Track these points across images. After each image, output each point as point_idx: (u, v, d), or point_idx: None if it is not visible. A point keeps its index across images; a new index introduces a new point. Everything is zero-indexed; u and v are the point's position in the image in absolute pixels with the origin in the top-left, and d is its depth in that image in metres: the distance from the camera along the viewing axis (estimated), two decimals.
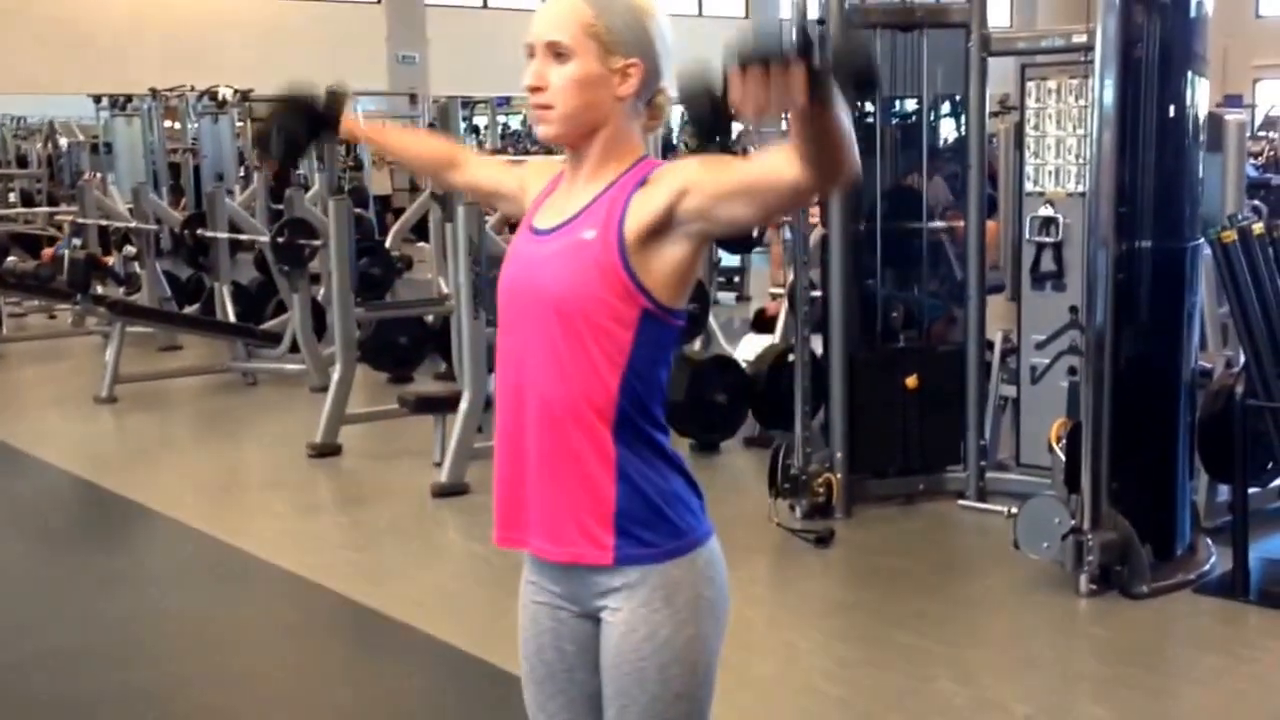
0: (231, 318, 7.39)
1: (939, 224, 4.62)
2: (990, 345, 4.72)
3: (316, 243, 6.59)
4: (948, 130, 4.75)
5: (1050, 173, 4.35)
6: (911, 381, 4.48)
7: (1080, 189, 4.17)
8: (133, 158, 12.33)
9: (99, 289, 7.44)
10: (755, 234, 7.56)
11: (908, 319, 4.59)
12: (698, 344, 5.94)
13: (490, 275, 4.76)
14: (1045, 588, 3.66)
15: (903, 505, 4.52)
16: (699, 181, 1.43)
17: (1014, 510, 3.79)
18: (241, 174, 11.88)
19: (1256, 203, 6.71)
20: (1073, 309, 4.19)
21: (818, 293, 4.55)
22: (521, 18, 1.89)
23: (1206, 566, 3.77)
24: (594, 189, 1.51)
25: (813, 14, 4.33)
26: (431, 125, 10.25)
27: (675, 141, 9.66)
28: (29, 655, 3.45)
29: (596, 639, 1.54)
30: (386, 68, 17.60)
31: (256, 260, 8.59)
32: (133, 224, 8.05)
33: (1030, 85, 4.38)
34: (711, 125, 1.28)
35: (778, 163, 1.34)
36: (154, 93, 12.40)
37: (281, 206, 7.90)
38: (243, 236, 7.78)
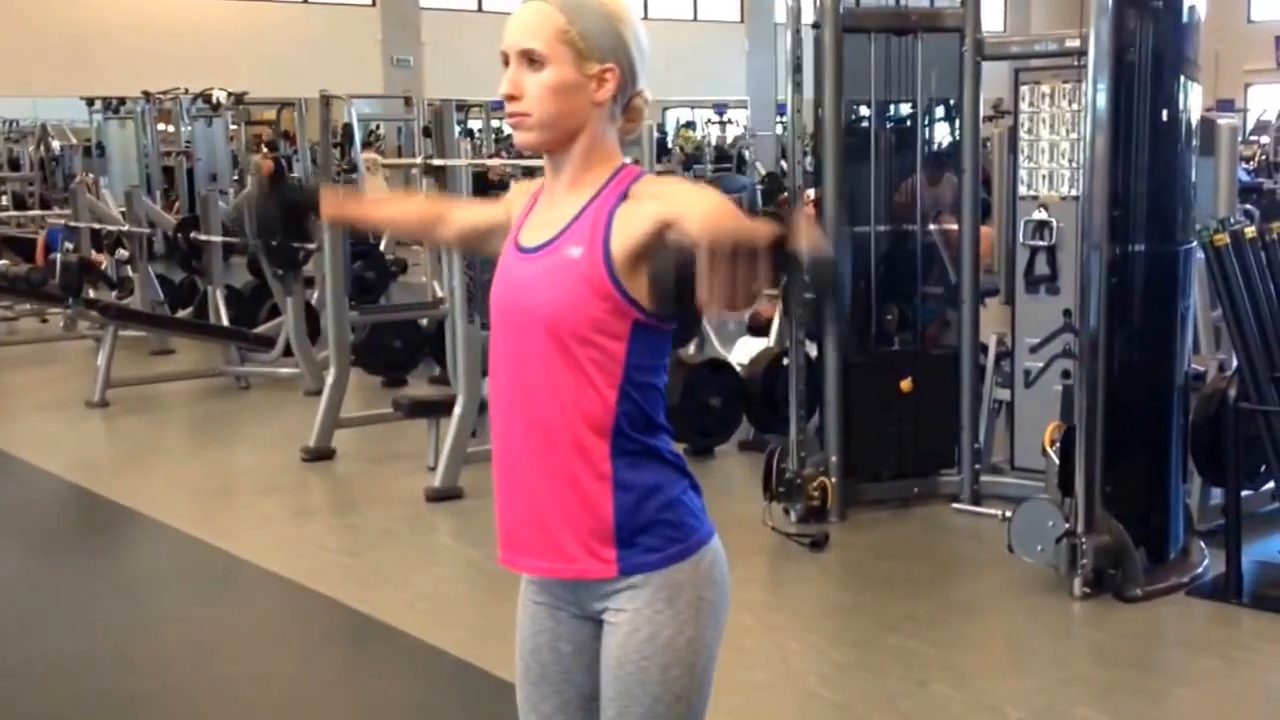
0: (225, 321, 7.38)
1: (934, 227, 4.63)
2: (984, 349, 4.72)
3: (311, 246, 6.58)
4: (942, 134, 4.76)
5: (1044, 177, 4.36)
6: (906, 385, 4.48)
7: (1074, 193, 4.17)
8: (126, 161, 12.31)
9: (91, 292, 7.42)
10: None
11: (902, 322, 4.60)
12: (692, 348, 5.94)
13: (484, 279, 4.75)
14: (1039, 591, 3.66)
15: (897, 509, 4.52)
16: (684, 224, 1.35)
17: (1008, 514, 3.79)
18: (235, 177, 11.86)
19: (1248, 207, 6.74)
20: (1066, 312, 4.20)
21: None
22: None
23: (1200, 569, 3.78)
24: (576, 200, 1.50)
25: (807, 18, 4.34)
26: (426, 130, 10.24)
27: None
28: (20, 662, 3.43)
29: (595, 640, 1.54)
30: (381, 71, 17.59)
31: (250, 264, 8.57)
32: (125, 227, 8.03)
33: (1024, 89, 4.39)
34: (674, 306, 1.31)
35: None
36: (147, 95, 12.37)
37: None
38: (236, 240, 7.77)
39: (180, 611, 3.87)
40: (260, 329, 7.38)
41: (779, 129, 17.04)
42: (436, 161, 8.58)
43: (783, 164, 11.19)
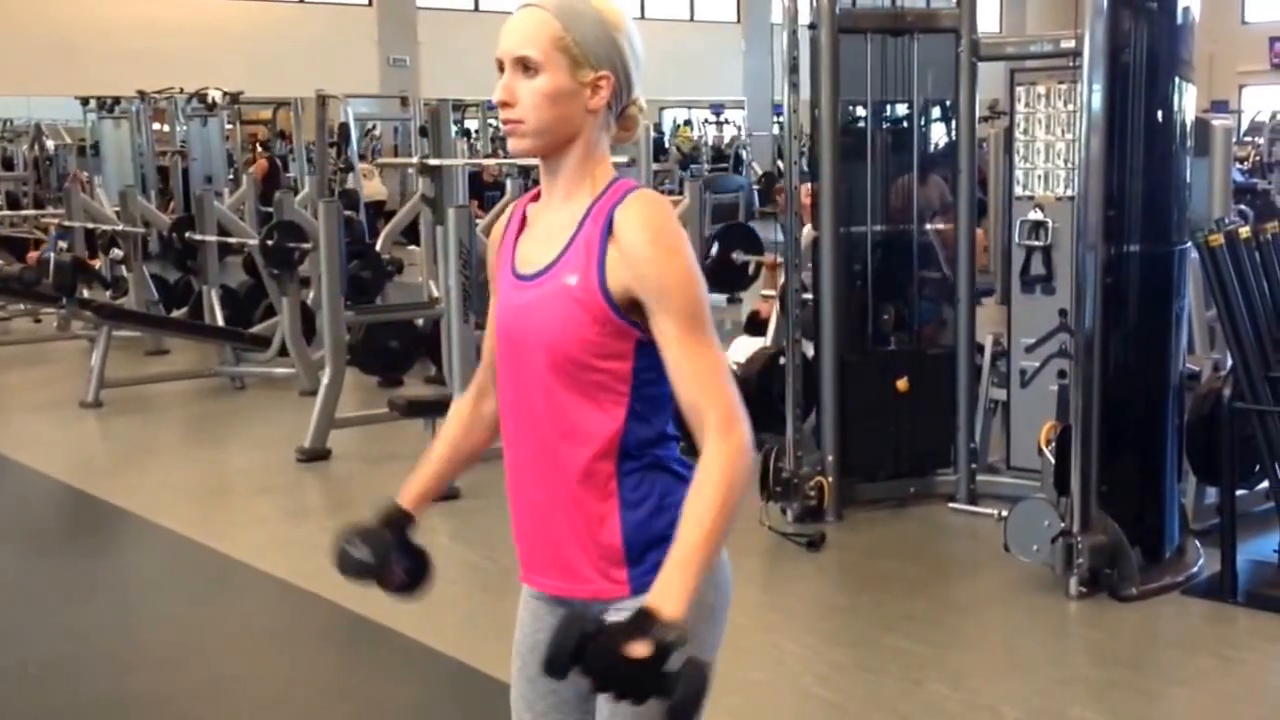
0: (220, 321, 7.36)
1: (930, 227, 4.63)
2: (980, 349, 4.73)
3: (306, 246, 6.58)
4: (938, 135, 4.76)
5: (1039, 177, 4.37)
6: (902, 385, 4.49)
7: (1069, 193, 4.18)
8: (120, 160, 12.29)
9: (85, 292, 7.40)
10: (750, 272, 7.52)
11: (898, 322, 4.60)
12: None
13: (480, 278, 4.75)
14: (1035, 590, 3.66)
15: (894, 508, 4.53)
16: (659, 314, 1.43)
17: (1004, 513, 3.80)
18: (230, 176, 11.85)
19: (1243, 207, 6.75)
20: (1062, 312, 4.21)
21: (809, 295, 4.56)
22: None
23: (1195, 568, 3.79)
24: (571, 212, 1.49)
25: (804, 19, 4.35)
26: (423, 129, 10.22)
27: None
28: (13, 664, 3.43)
29: None
30: (378, 71, 17.59)
31: (245, 263, 8.56)
32: (120, 227, 8.02)
33: (1019, 90, 4.40)
34: (567, 662, 1.33)
35: (700, 433, 1.44)
36: (142, 95, 12.37)
37: (271, 209, 7.88)
38: (231, 240, 7.76)
39: (175, 612, 3.86)
40: (256, 329, 7.37)
41: (775, 129, 17.03)
42: (433, 161, 8.56)
43: (779, 164, 11.21)
